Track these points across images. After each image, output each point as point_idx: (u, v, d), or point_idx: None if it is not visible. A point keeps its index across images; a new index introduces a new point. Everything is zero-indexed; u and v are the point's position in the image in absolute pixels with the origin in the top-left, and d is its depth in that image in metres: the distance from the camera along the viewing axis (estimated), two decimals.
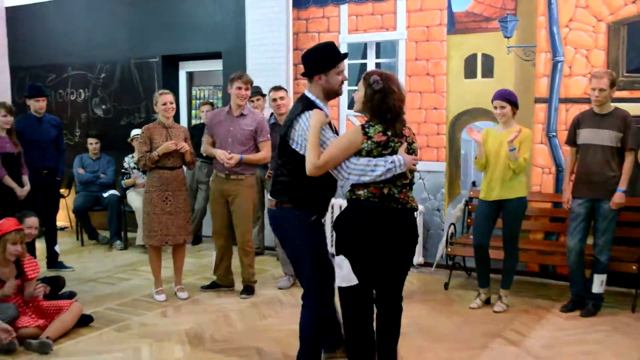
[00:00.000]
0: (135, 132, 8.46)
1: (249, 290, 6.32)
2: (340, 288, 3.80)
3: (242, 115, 6.12)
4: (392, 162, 3.56)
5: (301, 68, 7.70)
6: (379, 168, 3.55)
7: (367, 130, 3.64)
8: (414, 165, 3.70)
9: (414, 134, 3.84)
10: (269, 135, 6.21)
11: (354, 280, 3.69)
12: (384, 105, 3.63)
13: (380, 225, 3.64)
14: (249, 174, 6.17)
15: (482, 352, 4.82)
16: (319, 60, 3.96)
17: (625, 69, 6.23)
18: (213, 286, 6.55)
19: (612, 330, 5.28)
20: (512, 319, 5.60)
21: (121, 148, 8.75)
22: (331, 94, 4.03)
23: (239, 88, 6.04)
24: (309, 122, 3.76)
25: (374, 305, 3.89)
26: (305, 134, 3.78)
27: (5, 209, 6.26)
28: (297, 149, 3.88)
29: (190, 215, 6.90)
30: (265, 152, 6.18)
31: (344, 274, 3.70)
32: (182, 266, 6.37)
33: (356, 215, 3.70)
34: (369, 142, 3.60)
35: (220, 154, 5.99)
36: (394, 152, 3.62)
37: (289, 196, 3.99)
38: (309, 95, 4.00)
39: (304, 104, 3.94)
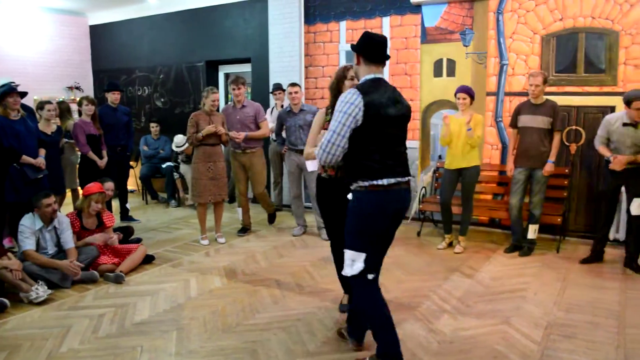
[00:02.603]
0: (177, 138, 8.25)
1: (272, 217, 6.71)
2: None
3: (243, 106, 6.29)
4: None
5: (310, 70, 7.77)
6: None
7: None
8: None
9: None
10: (266, 117, 6.48)
11: None
12: None
13: None
14: (258, 147, 6.36)
15: (445, 282, 4.81)
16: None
17: (554, 70, 6.15)
18: (244, 230, 6.66)
19: (542, 266, 5.26)
20: (467, 257, 5.58)
21: (176, 131, 8.64)
22: None
23: (233, 89, 6.26)
24: None
25: None
26: None
27: (90, 175, 6.34)
28: None
29: (227, 180, 6.89)
30: (264, 130, 6.39)
31: None
32: (221, 219, 6.34)
33: None
34: None
35: (232, 134, 6.17)
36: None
37: None
38: None
39: None
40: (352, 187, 3.10)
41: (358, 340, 3.51)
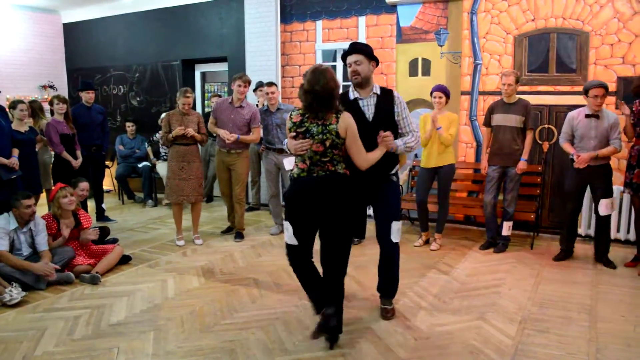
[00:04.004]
0: (164, 115, 8.34)
1: (240, 235, 6.33)
2: (286, 244, 3.55)
3: (241, 106, 6.05)
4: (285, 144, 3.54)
5: (287, 69, 7.75)
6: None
7: (292, 113, 3.52)
8: (299, 147, 3.37)
9: (335, 119, 3.36)
10: (259, 123, 6.19)
11: (295, 241, 3.46)
12: (301, 96, 3.43)
13: (305, 191, 3.41)
14: (244, 149, 6.16)
15: (422, 279, 4.84)
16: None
17: (526, 70, 6.23)
18: (229, 230, 6.61)
19: (516, 262, 5.33)
20: (443, 254, 5.62)
21: (152, 130, 8.60)
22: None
23: (239, 86, 5.99)
24: None
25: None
26: None
27: (64, 176, 6.25)
28: None
29: (204, 181, 6.82)
30: (256, 135, 6.16)
31: (289, 235, 3.49)
32: (198, 219, 6.28)
33: (290, 188, 3.51)
34: (290, 122, 3.49)
35: (222, 133, 5.97)
36: (308, 130, 3.39)
37: None
38: None
39: None
40: (392, 172, 3.86)
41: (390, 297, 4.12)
